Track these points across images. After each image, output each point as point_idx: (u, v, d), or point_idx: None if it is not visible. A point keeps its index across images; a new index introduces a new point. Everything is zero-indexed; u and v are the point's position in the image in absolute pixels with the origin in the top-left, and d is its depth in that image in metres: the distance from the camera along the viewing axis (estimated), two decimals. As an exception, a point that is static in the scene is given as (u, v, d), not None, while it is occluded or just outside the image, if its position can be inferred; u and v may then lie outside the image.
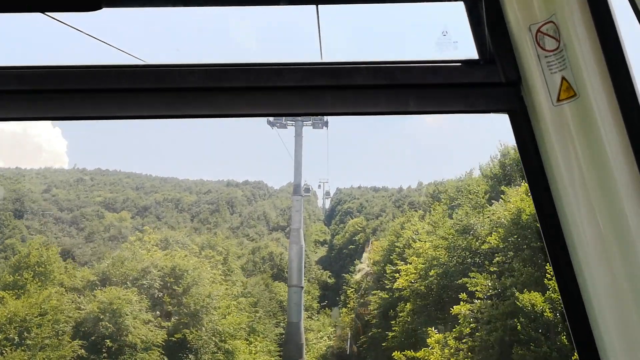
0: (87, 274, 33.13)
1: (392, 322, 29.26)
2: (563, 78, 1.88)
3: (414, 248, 30.82)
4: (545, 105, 1.94)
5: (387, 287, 33.01)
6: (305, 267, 66.27)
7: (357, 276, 52.96)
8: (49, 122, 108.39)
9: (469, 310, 23.15)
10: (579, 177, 1.88)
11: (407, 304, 28.34)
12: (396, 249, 34.30)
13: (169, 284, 32.93)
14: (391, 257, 34.68)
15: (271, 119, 46.55)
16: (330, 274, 68.05)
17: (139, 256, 34.28)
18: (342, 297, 57.54)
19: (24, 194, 78.94)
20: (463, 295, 23.42)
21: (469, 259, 26.78)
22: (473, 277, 23.10)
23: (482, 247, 23.94)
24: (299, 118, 46.73)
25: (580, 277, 1.94)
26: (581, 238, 1.91)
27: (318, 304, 61.91)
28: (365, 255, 57.74)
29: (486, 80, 2.08)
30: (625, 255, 1.83)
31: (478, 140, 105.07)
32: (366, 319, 40.16)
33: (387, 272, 34.00)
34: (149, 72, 2.10)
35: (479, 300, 22.39)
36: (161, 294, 32.34)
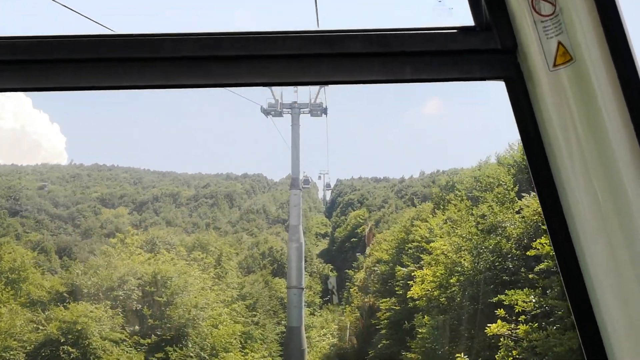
0: (56, 283, 27.47)
1: (407, 338, 23.69)
2: (559, 43, 1.76)
3: (428, 251, 25.16)
4: (541, 70, 1.81)
5: (398, 293, 27.46)
6: (306, 261, 60.89)
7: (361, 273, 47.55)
8: (47, 119, 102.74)
9: (508, 330, 17.61)
10: (576, 141, 1.76)
11: (425, 316, 22.74)
12: (408, 249, 28.61)
13: (149, 294, 27.29)
14: (402, 258, 29.02)
15: (265, 106, 40.76)
16: (332, 267, 62.97)
17: (115, 263, 28.60)
18: (345, 294, 52.26)
19: (19, 191, 73.57)
20: (500, 312, 17.83)
21: (499, 264, 21.15)
22: (511, 294, 17.43)
23: (528, 252, 18.21)
24: (296, 106, 41.01)
25: (578, 247, 1.79)
26: (578, 205, 1.77)
27: (320, 299, 56.86)
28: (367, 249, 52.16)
29: (482, 47, 1.90)
30: (623, 221, 1.70)
31: (479, 127, 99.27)
32: (373, 322, 34.62)
33: (398, 275, 28.44)
34: (142, 41, 1.90)
35: (523, 324, 16.77)
36: (140, 306, 26.69)
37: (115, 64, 1.90)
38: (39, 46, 1.90)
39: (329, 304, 56.27)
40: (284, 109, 40.72)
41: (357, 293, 46.88)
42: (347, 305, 50.08)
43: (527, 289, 17.60)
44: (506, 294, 17.65)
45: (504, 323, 17.96)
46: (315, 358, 44.46)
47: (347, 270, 53.44)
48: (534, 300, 17.30)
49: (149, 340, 25.59)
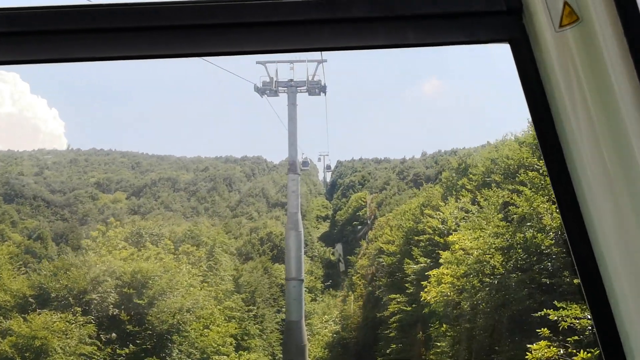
0: (23, 286, 23.24)
1: (423, 350, 19.56)
2: (565, 3, 1.66)
3: (442, 245, 20.93)
4: (547, 32, 1.70)
5: (409, 291, 23.30)
6: (307, 245, 56.95)
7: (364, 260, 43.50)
8: (45, 103, 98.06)
9: (555, 354, 13.42)
10: (582, 103, 1.65)
11: (443, 325, 18.60)
12: (419, 242, 24.29)
13: (128, 297, 23.11)
14: (411, 251, 24.75)
15: (260, 85, 36.14)
16: (333, 250, 59.15)
17: (91, 260, 24.38)
18: (347, 282, 48.34)
19: (15, 177, 69.38)
20: (544, 331, 13.64)
21: (534, 264, 16.88)
22: (562, 310, 13.21)
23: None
24: (292, 84, 36.39)
25: (585, 208, 1.66)
26: (585, 168, 1.66)
27: (322, 284, 53.00)
28: (370, 233, 48.07)
29: (487, 9, 1.79)
30: (629, 183, 1.59)
31: (480, 106, 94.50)
32: (378, 315, 30.56)
33: (408, 270, 24.25)
34: (137, 10, 1.80)
35: (579, 348, 12.55)
36: (117, 311, 22.52)
37: (110, 34, 1.80)
38: (33, 17, 1.79)
39: (331, 288, 52.77)
40: (279, 88, 36.10)
41: (360, 281, 42.95)
42: (350, 292, 46.45)
43: (581, 303, 13.35)
44: (557, 306, 13.39)
45: (547, 342, 13.80)
46: (318, 347, 41.00)
47: (348, 257, 49.35)
48: (589, 317, 13.10)
49: (127, 350, 21.45)
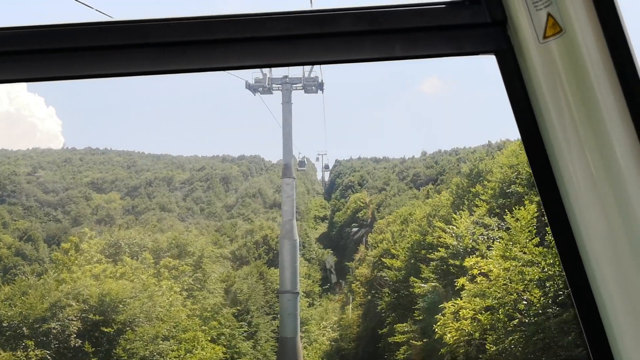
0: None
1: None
2: (549, 14, 1.64)
3: (457, 266, 17.06)
4: (531, 43, 1.69)
5: (418, 318, 19.41)
6: (304, 246, 53.15)
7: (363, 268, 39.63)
8: (42, 102, 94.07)
9: None
10: (568, 112, 1.64)
11: (464, 369, 14.75)
12: (429, 259, 20.30)
13: (94, 324, 19.21)
14: (419, 268, 20.82)
15: (251, 82, 32.22)
16: (331, 252, 55.43)
17: (53, 281, 20.46)
18: (345, 288, 44.60)
19: (7, 177, 65.39)
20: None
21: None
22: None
23: None
24: (287, 81, 32.49)
25: (572, 218, 1.65)
26: (571, 177, 1.65)
27: (320, 288, 49.24)
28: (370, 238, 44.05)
29: (472, 21, 1.78)
30: (616, 191, 1.59)
31: (480, 105, 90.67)
32: (380, 332, 26.81)
33: (416, 289, 20.38)
34: (131, 27, 1.81)
35: None
36: (80, 341, 18.62)
37: (104, 52, 1.81)
38: (27, 37, 1.80)
39: (329, 292, 49.12)
40: (273, 85, 32.15)
41: (359, 289, 39.12)
42: (348, 298, 42.82)
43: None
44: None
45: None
46: (315, 357, 37.38)
47: (347, 263, 45.53)
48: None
49: (89, 389, 17.60)
